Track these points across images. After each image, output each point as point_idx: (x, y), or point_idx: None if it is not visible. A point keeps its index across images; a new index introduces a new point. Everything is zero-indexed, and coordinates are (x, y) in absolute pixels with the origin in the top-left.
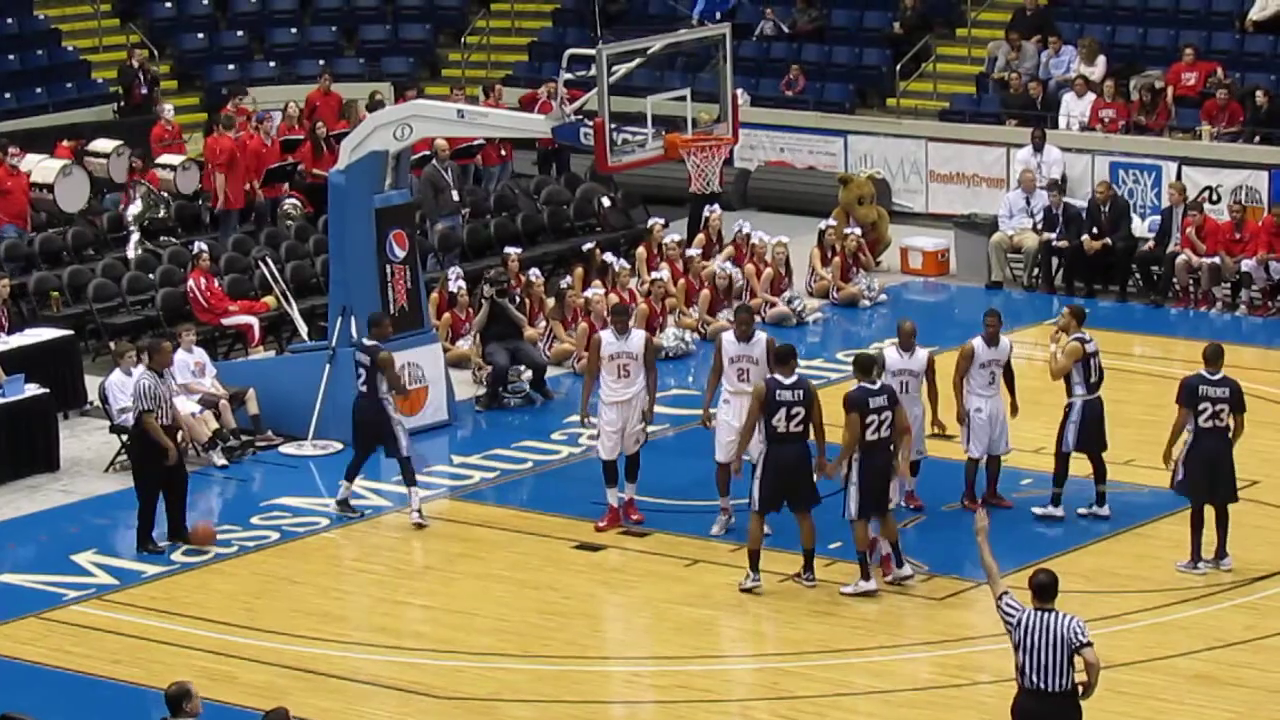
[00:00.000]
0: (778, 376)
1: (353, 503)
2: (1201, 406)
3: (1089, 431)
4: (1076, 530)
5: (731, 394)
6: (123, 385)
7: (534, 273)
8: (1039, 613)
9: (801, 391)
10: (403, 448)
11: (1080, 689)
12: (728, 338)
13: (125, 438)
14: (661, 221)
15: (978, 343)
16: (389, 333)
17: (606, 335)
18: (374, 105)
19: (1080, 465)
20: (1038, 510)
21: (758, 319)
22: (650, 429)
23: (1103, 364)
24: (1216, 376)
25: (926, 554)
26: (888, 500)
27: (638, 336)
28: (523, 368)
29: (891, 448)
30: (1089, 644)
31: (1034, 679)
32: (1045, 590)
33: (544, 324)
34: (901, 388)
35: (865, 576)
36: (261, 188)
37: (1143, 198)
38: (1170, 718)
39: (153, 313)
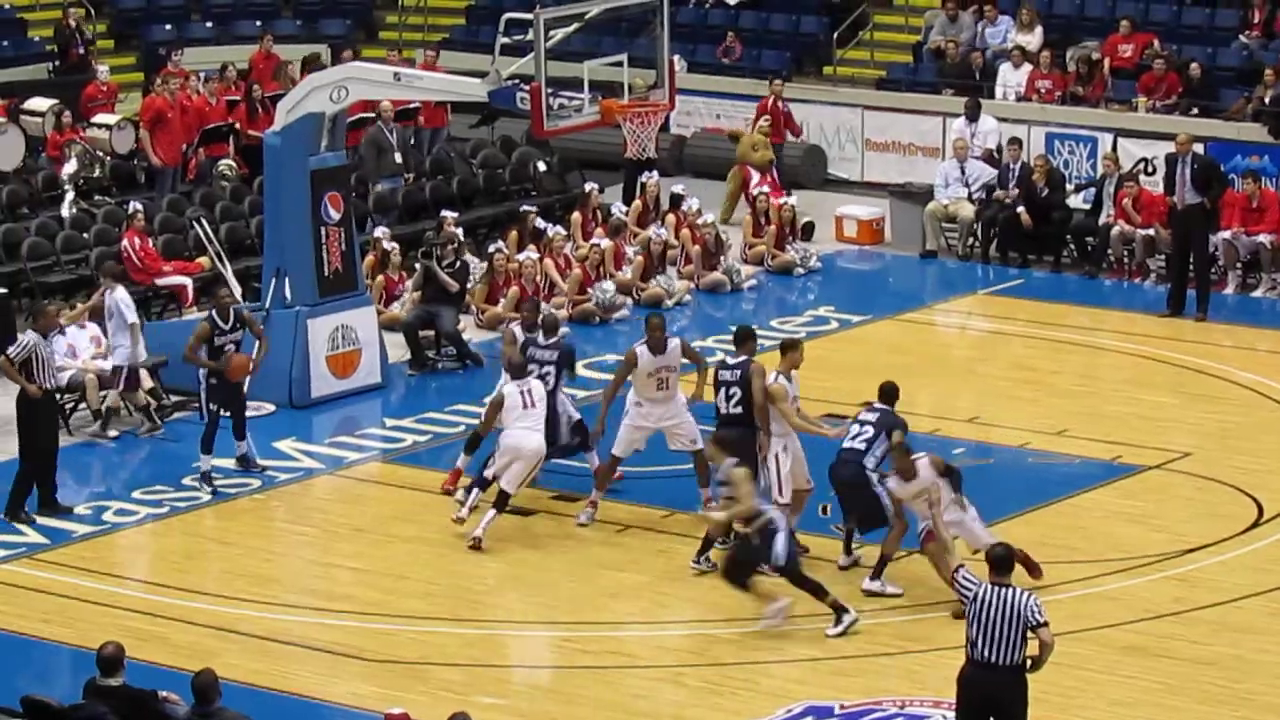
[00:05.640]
0: (655, 356)
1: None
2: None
3: None
4: (1007, 501)
5: (646, 400)
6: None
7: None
8: (996, 588)
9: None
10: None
11: (1029, 662)
12: (642, 352)
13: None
14: (597, 187)
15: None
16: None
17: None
18: (311, 67)
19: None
20: None
21: (691, 285)
22: (579, 394)
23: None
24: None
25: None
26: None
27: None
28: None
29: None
30: (1045, 624)
31: (984, 652)
32: (1002, 563)
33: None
34: None
35: None
36: (200, 148)
37: (1078, 169)
38: (1100, 688)
39: (87, 272)
